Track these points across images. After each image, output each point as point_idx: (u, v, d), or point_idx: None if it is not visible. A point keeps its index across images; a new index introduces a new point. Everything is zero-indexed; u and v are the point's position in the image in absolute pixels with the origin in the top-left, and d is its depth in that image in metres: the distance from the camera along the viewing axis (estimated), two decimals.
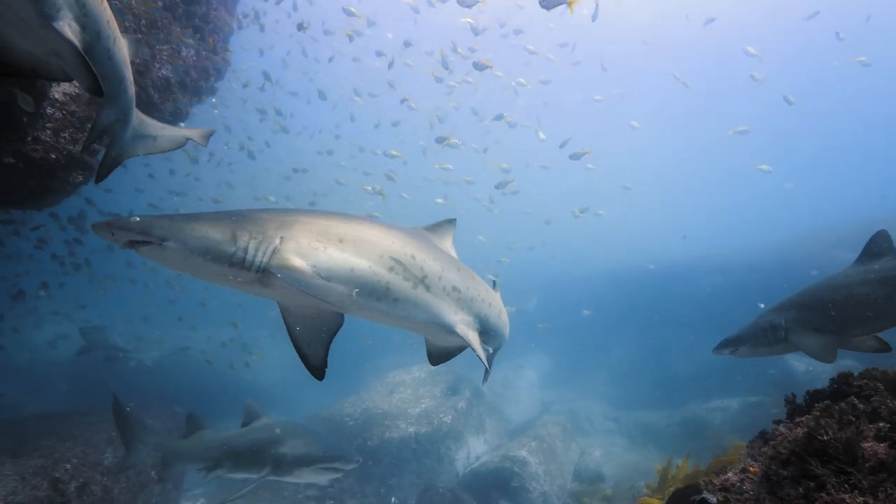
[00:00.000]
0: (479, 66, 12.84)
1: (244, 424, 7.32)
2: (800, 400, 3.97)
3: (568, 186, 35.21)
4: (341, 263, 3.18)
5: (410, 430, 12.11)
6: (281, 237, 3.11)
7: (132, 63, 4.38)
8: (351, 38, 15.53)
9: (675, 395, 15.86)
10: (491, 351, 4.17)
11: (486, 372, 4.22)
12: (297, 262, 3.08)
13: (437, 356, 4.22)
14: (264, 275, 3.08)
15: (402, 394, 13.96)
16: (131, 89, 4.41)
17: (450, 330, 3.61)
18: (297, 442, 6.76)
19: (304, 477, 6.86)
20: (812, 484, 2.91)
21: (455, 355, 4.21)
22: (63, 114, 5.57)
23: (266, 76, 16.32)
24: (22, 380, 15.35)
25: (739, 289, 17.69)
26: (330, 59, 18.92)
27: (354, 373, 18.69)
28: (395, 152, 15.55)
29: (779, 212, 40.66)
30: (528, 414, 17.51)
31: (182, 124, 9.32)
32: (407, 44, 16.45)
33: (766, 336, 5.61)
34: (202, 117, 17.27)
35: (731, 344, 5.86)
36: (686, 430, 13.59)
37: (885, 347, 5.27)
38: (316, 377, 3.66)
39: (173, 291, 21.71)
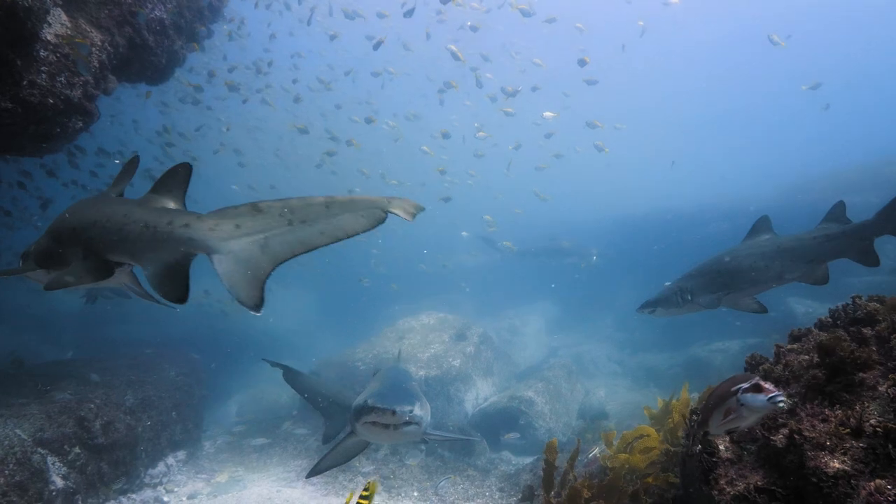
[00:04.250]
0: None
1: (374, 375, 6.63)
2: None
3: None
4: (43, 248, 3.71)
5: (420, 373, 12.38)
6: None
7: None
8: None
9: (679, 339, 16.08)
10: (152, 270, 3.19)
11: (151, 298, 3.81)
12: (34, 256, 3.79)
13: (160, 284, 3.15)
14: None
15: (411, 339, 14.21)
16: None
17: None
18: (353, 395, 5.69)
19: (365, 435, 5.35)
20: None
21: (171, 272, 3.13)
22: (57, 56, 5.46)
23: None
24: (39, 328, 15.68)
25: (745, 235, 17.59)
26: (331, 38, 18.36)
27: (364, 320, 19.05)
28: (392, 123, 15.61)
29: (790, 155, 39.75)
30: (535, 359, 17.84)
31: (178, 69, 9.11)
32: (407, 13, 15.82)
33: (676, 298, 6.71)
34: (199, 64, 16.89)
35: (649, 305, 6.97)
36: (688, 371, 13.83)
37: (762, 309, 6.55)
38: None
39: None
